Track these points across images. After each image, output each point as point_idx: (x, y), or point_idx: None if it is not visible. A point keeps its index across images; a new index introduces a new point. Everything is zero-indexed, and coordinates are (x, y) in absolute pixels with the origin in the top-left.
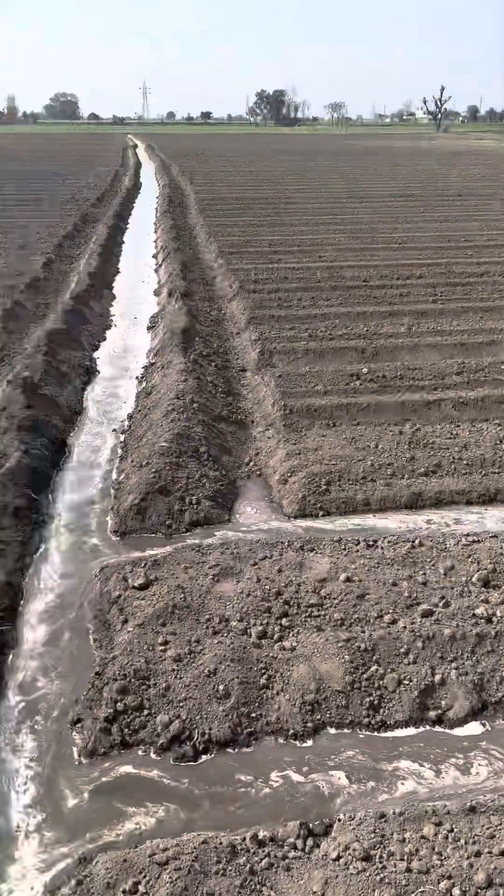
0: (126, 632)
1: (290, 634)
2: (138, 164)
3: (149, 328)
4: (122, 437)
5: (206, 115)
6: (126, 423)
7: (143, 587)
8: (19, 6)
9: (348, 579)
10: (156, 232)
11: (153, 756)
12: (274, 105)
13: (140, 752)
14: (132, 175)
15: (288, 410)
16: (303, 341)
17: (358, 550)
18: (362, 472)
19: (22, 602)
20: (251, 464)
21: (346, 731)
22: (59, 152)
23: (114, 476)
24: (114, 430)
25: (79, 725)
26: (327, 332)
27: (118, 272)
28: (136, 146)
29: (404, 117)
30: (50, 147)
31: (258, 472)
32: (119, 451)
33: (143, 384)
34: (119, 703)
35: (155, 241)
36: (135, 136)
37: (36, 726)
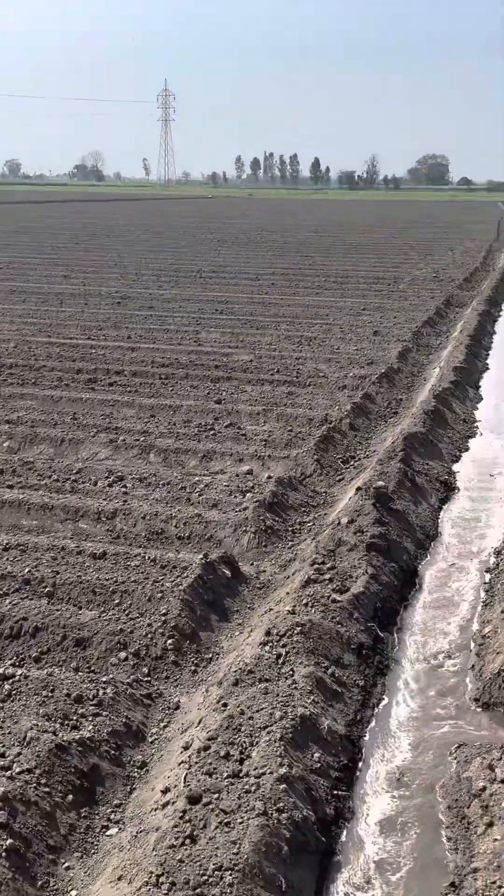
0: (491, 839)
1: None
2: None
3: None
4: (487, 578)
5: None
6: (493, 559)
7: None
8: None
9: None
10: None
11: None
12: None
13: None
14: None
15: None
16: None
17: None
18: None
19: (360, 764)
20: None
21: None
22: (422, 222)
23: (475, 626)
24: (477, 567)
25: None
26: None
27: (487, 368)
28: None
29: None
30: (408, 215)
31: None
32: (482, 594)
33: None
34: None
35: None
36: None
37: None
